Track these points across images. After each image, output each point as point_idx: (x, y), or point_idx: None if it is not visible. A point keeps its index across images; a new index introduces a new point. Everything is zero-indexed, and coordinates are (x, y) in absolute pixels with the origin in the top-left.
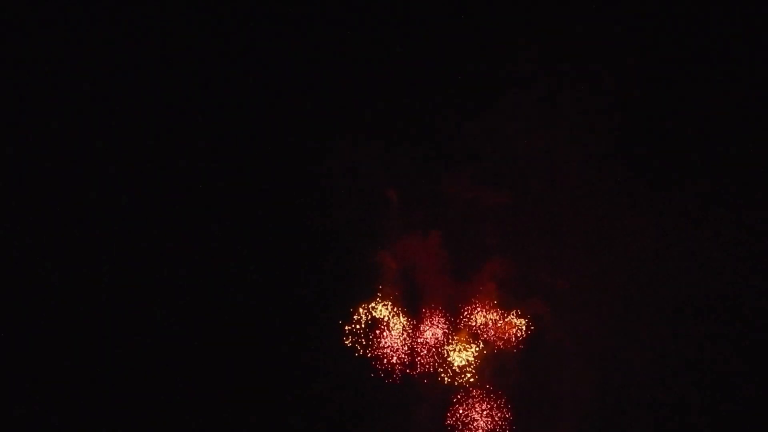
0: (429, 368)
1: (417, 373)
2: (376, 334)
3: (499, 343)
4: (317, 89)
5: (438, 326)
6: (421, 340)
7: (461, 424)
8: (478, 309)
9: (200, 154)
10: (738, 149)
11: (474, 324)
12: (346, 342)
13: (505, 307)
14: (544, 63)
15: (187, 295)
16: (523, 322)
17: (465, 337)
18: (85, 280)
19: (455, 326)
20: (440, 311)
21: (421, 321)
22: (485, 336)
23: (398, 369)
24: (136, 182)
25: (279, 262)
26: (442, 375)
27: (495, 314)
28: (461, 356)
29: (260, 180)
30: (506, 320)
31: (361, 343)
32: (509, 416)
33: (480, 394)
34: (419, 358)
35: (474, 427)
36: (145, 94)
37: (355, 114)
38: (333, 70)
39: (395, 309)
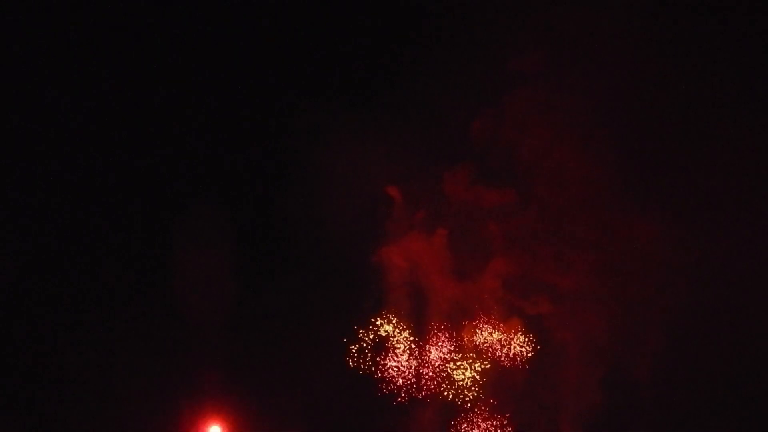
0: (434, 388)
1: (423, 393)
2: (382, 355)
3: (504, 360)
4: (318, 88)
5: (443, 343)
6: (427, 358)
7: None
8: (483, 325)
9: (199, 155)
10: (743, 150)
11: (479, 341)
12: (351, 363)
13: (510, 308)
14: (548, 61)
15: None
16: (528, 340)
17: (469, 355)
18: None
19: (460, 342)
20: (445, 326)
21: (426, 339)
22: (490, 353)
23: (404, 389)
24: (131, 184)
25: (279, 268)
26: (446, 393)
27: (499, 331)
28: (466, 374)
29: (261, 180)
30: (510, 336)
31: (366, 365)
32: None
33: (485, 410)
34: (425, 380)
35: None
36: (146, 93)
37: (355, 112)
38: (337, 69)
39: (400, 324)
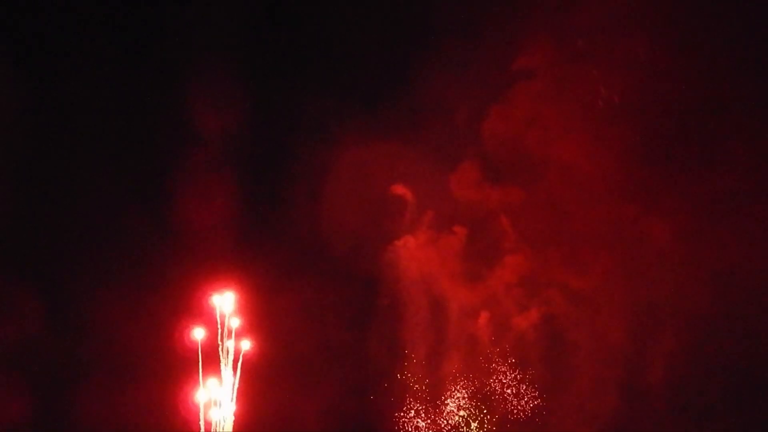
0: None
1: None
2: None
3: (516, 411)
4: (324, 89)
5: (457, 391)
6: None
7: None
8: (495, 376)
9: (203, 156)
10: (756, 148)
11: (489, 390)
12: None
13: (522, 308)
14: (556, 59)
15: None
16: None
17: (480, 403)
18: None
19: (472, 392)
20: (459, 378)
21: (441, 386)
22: (499, 402)
23: None
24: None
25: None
26: None
27: (509, 375)
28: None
29: (264, 181)
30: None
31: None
32: None
33: None
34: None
35: None
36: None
37: (359, 113)
38: (341, 69)
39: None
